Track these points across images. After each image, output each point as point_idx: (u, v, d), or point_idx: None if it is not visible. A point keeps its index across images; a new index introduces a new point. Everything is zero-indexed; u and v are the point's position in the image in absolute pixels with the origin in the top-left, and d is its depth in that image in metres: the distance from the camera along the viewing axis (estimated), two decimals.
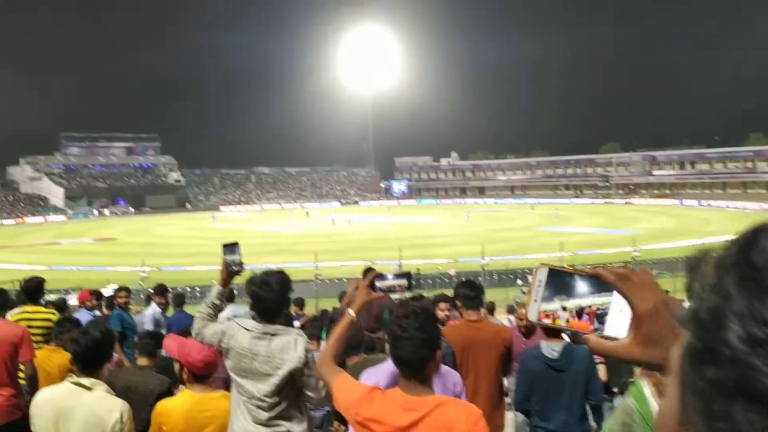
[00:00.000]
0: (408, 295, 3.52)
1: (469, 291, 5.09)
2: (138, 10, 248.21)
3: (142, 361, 5.05)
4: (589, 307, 0.88)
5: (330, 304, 15.76)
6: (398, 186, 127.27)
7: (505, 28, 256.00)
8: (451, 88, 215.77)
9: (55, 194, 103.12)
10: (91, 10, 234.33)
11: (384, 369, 3.09)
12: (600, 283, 0.87)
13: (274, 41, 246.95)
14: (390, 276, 2.83)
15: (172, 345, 3.64)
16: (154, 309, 8.65)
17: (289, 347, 3.36)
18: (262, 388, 3.33)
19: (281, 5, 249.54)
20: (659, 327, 0.79)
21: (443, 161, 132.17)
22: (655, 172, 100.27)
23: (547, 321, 0.92)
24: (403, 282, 2.80)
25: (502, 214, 77.23)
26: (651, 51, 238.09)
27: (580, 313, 0.90)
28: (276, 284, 3.40)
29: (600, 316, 0.88)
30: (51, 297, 19.28)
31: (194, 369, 3.53)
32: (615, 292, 0.85)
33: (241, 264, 3.61)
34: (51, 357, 5.29)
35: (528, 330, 6.37)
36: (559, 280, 0.91)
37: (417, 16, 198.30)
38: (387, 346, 2.88)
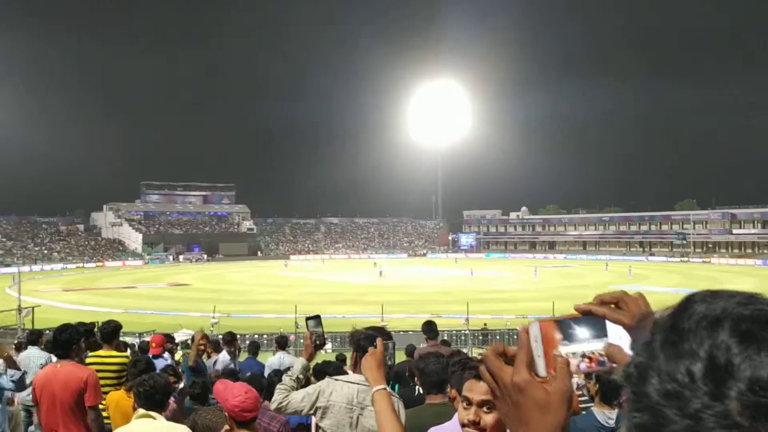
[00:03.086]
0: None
1: None
2: (214, 68, 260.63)
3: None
4: (592, 353, 0.91)
5: (397, 357, 15.61)
6: (466, 239, 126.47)
7: (577, 81, 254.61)
8: (522, 142, 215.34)
9: (134, 240, 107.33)
10: (170, 70, 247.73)
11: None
12: (595, 320, 0.91)
13: (344, 95, 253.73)
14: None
15: (219, 388, 3.66)
16: (224, 356, 8.85)
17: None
18: None
19: (353, 60, 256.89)
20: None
21: (512, 215, 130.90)
22: (736, 231, 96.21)
23: (554, 372, 0.92)
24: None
25: (572, 270, 75.41)
26: (727, 105, 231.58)
27: (584, 357, 0.92)
28: (383, 338, 3.38)
29: (601, 363, 0.91)
30: (126, 339, 19.87)
31: (232, 414, 3.52)
32: (608, 323, 0.90)
33: (323, 336, 3.68)
34: (130, 398, 5.43)
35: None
36: (554, 330, 0.93)
37: (487, 71, 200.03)
38: None
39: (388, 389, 2.54)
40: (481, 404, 2.25)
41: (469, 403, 2.27)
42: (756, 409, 0.50)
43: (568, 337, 0.91)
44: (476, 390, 2.27)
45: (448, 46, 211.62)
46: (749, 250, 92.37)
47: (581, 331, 0.91)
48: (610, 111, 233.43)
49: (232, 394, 3.52)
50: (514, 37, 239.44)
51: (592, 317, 0.91)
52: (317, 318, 3.67)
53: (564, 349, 0.91)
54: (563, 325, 0.92)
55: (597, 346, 0.90)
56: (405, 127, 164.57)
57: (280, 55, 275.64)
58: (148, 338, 17.19)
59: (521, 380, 0.86)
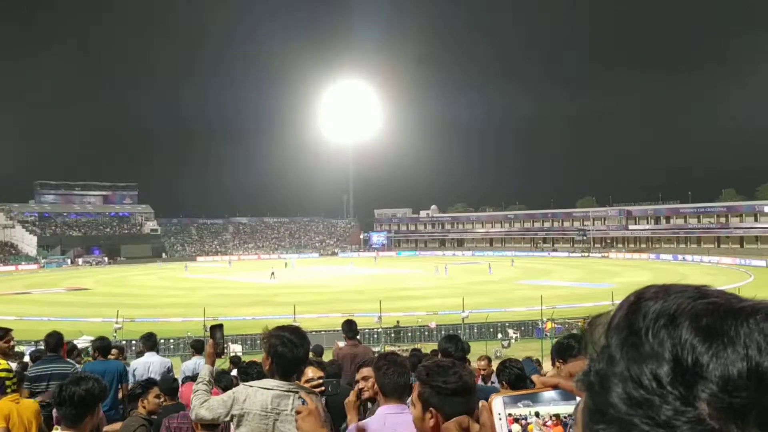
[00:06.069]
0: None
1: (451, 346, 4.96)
2: (118, 60, 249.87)
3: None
4: (557, 415, 0.87)
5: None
6: (377, 237, 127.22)
7: (480, 84, 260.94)
8: (431, 142, 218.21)
9: (28, 242, 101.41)
10: (68, 60, 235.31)
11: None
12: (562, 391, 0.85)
13: (254, 92, 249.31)
14: None
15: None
16: (155, 357, 8.53)
17: None
18: None
19: (262, 57, 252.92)
20: None
21: (422, 213, 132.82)
22: (631, 227, 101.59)
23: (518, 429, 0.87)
24: None
25: (480, 266, 77.28)
26: (625, 108, 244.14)
27: (550, 418, 0.87)
28: (299, 341, 3.31)
29: (566, 425, 0.87)
30: (21, 348, 18.63)
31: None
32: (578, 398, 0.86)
33: (223, 345, 3.81)
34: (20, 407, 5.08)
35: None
36: (519, 398, 0.88)
37: (397, 72, 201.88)
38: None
39: None
40: None
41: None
42: (729, 410, 0.47)
43: (533, 399, 0.85)
44: None
45: (358, 46, 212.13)
46: (643, 245, 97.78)
47: (548, 393, 0.86)
48: (513, 114, 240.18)
49: None
50: (422, 40, 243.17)
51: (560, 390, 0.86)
52: (221, 327, 3.80)
53: (530, 410, 0.86)
54: (527, 398, 0.86)
55: (565, 408, 0.85)
56: (316, 126, 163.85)
57: (185, 52, 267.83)
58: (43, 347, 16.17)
59: None
